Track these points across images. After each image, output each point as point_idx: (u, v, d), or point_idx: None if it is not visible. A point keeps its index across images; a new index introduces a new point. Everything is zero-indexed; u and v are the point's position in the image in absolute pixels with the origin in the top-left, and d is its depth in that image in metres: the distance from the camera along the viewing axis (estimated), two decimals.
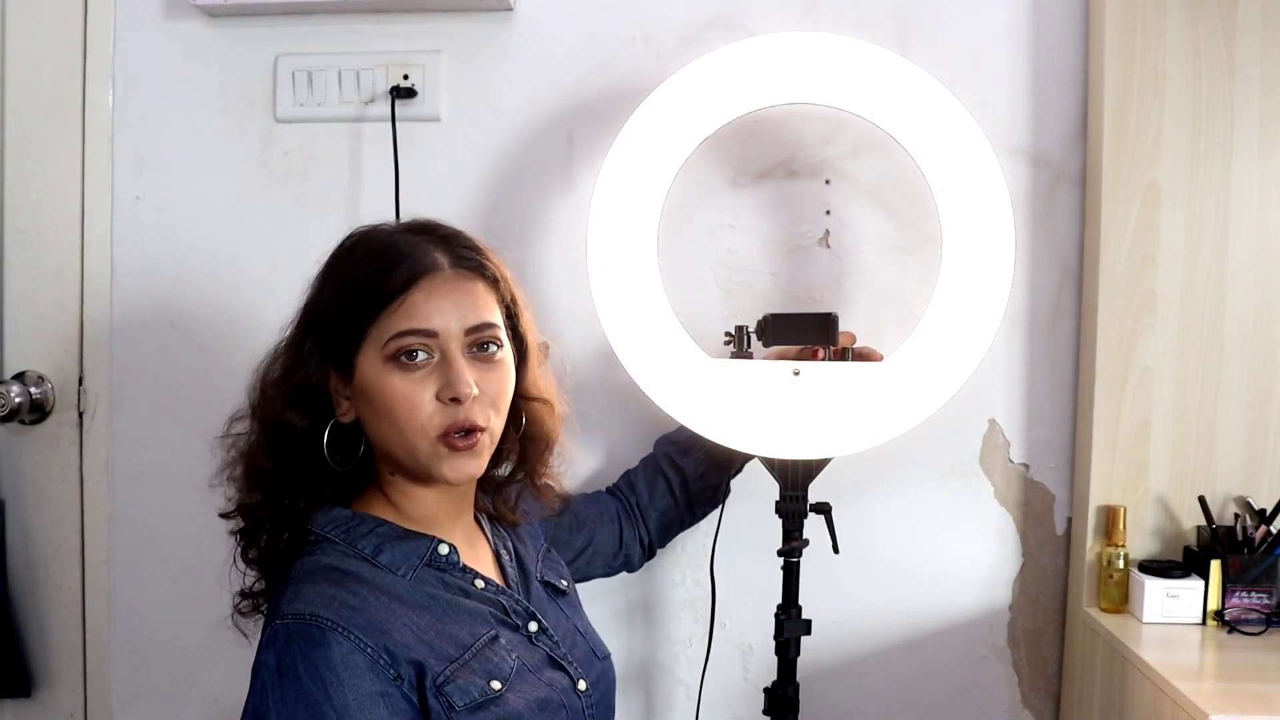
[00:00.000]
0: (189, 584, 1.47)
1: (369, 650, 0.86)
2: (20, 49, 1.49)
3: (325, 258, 0.98)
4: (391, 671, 0.86)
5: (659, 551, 1.35)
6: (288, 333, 0.98)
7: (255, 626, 0.97)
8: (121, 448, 1.50)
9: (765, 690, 1.23)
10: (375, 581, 0.91)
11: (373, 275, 0.92)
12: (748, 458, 1.30)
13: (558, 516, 1.19)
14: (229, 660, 1.46)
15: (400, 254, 0.93)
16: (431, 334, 0.91)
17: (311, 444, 0.94)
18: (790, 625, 1.21)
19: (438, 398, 0.91)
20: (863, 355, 1.22)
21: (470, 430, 0.92)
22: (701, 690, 1.34)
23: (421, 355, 0.91)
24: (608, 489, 1.33)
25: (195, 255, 1.48)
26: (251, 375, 0.98)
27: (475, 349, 0.94)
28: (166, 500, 1.48)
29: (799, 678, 1.22)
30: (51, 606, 1.51)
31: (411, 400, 0.91)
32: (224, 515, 0.99)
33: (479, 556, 1.03)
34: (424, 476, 0.95)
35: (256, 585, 0.99)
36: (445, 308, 0.92)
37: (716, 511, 1.33)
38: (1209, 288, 1.30)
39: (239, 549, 0.99)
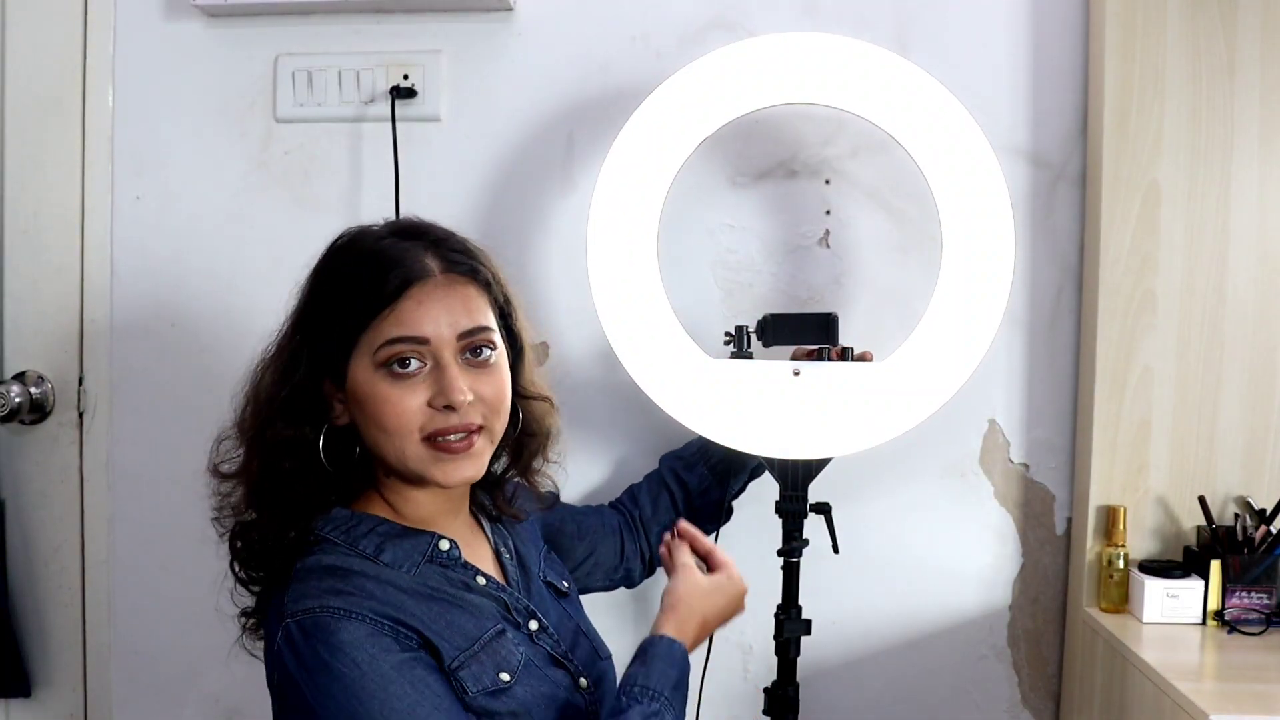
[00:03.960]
0: (189, 584, 1.47)
1: (386, 626, 0.87)
2: (20, 49, 1.49)
3: (316, 261, 0.97)
4: (411, 640, 0.87)
5: (659, 568, 1.35)
6: (276, 340, 0.97)
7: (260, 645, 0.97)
8: (121, 448, 1.50)
9: (765, 690, 1.23)
10: (380, 577, 0.91)
11: (363, 282, 0.91)
12: (751, 476, 1.31)
13: (548, 509, 1.19)
14: (229, 660, 1.45)
15: (391, 260, 0.92)
16: (423, 341, 0.90)
17: (309, 450, 0.94)
18: (790, 625, 1.21)
19: (430, 404, 0.91)
20: (860, 358, 1.22)
21: (468, 431, 0.92)
22: (701, 690, 1.34)
23: (414, 363, 0.91)
24: (610, 503, 1.33)
25: (195, 255, 1.48)
26: (239, 391, 0.97)
27: (469, 354, 0.93)
28: (166, 500, 1.48)
29: (799, 678, 1.22)
30: (51, 606, 1.51)
31: (400, 407, 0.90)
32: (231, 538, 0.97)
33: (479, 554, 1.03)
34: (417, 481, 0.95)
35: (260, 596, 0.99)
36: (437, 314, 0.91)
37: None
38: (1209, 288, 1.30)
39: (235, 563, 0.98)
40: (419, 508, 0.98)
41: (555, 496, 1.24)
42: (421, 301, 0.91)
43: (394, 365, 0.90)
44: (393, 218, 1.02)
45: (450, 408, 0.90)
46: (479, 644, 0.92)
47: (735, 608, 1.08)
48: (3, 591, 1.49)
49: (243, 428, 0.96)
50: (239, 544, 0.97)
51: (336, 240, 0.98)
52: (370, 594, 0.89)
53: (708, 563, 1.10)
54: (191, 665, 1.50)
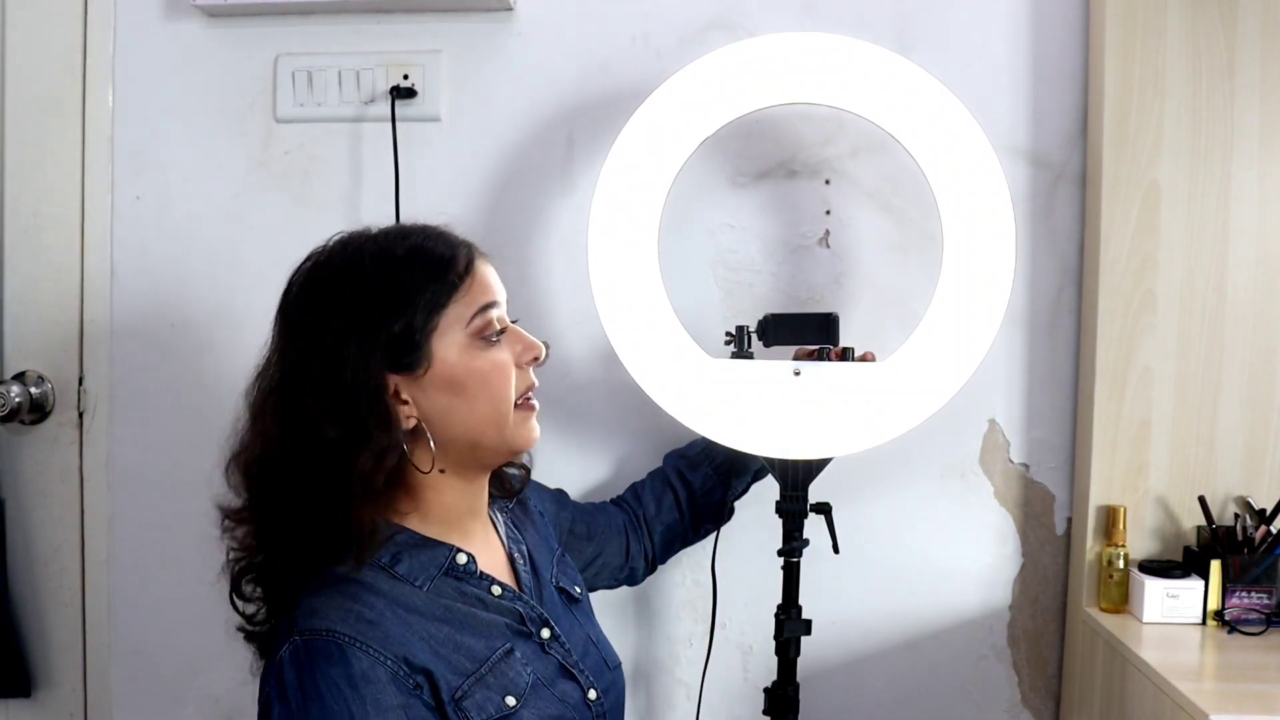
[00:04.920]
0: (189, 584, 1.47)
1: (388, 663, 0.85)
2: (20, 49, 1.48)
3: (305, 284, 0.93)
4: (411, 681, 0.86)
5: (660, 565, 1.35)
6: (285, 372, 0.91)
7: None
8: (121, 448, 1.50)
9: (765, 690, 1.23)
10: (392, 594, 0.90)
11: (433, 264, 0.92)
12: (755, 478, 1.31)
13: (559, 506, 1.18)
14: (229, 660, 1.46)
15: (445, 242, 0.95)
16: (498, 304, 0.96)
17: (389, 455, 0.90)
18: (790, 625, 1.21)
19: (517, 364, 0.95)
20: (861, 359, 1.22)
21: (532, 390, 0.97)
22: (701, 690, 1.34)
23: (499, 327, 0.95)
24: (613, 500, 1.33)
25: (195, 255, 1.48)
26: (239, 433, 0.93)
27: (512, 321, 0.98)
28: (166, 500, 1.48)
29: (799, 678, 1.22)
30: (51, 606, 1.51)
31: (506, 370, 0.94)
32: (236, 558, 0.94)
33: (494, 560, 1.02)
34: (495, 453, 0.96)
35: (259, 612, 0.96)
36: (496, 281, 0.97)
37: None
38: (1209, 288, 1.30)
39: (237, 579, 0.94)
40: (450, 506, 0.96)
41: (564, 495, 1.25)
42: (487, 270, 0.96)
43: (489, 333, 0.93)
44: (396, 218, 1.02)
45: (535, 359, 0.96)
46: (486, 666, 0.91)
47: None
48: (3, 591, 1.49)
49: (272, 455, 0.90)
50: (255, 587, 0.94)
51: (349, 246, 0.94)
52: (380, 618, 0.87)
53: None
54: (191, 665, 1.50)
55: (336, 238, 0.96)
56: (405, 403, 0.92)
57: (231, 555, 0.95)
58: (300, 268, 0.96)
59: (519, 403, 0.95)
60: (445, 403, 0.92)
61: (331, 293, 0.92)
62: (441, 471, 0.95)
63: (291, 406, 0.90)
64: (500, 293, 0.97)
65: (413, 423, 0.92)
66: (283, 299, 0.95)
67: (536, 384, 0.98)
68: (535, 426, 0.98)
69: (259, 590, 0.95)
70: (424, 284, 0.91)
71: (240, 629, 0.97)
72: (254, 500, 0.93)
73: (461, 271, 0.93)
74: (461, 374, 0.92)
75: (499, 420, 0.94)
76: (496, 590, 0.97)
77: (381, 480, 0.90)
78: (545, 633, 0.99)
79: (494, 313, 0.94)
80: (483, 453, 0.96)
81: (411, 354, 0.90)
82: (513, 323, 0.98)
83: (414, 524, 0.95)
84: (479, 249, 0.97)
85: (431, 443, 0.93)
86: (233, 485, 0.94)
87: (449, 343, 0.91)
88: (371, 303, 0.90)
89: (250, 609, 0.96)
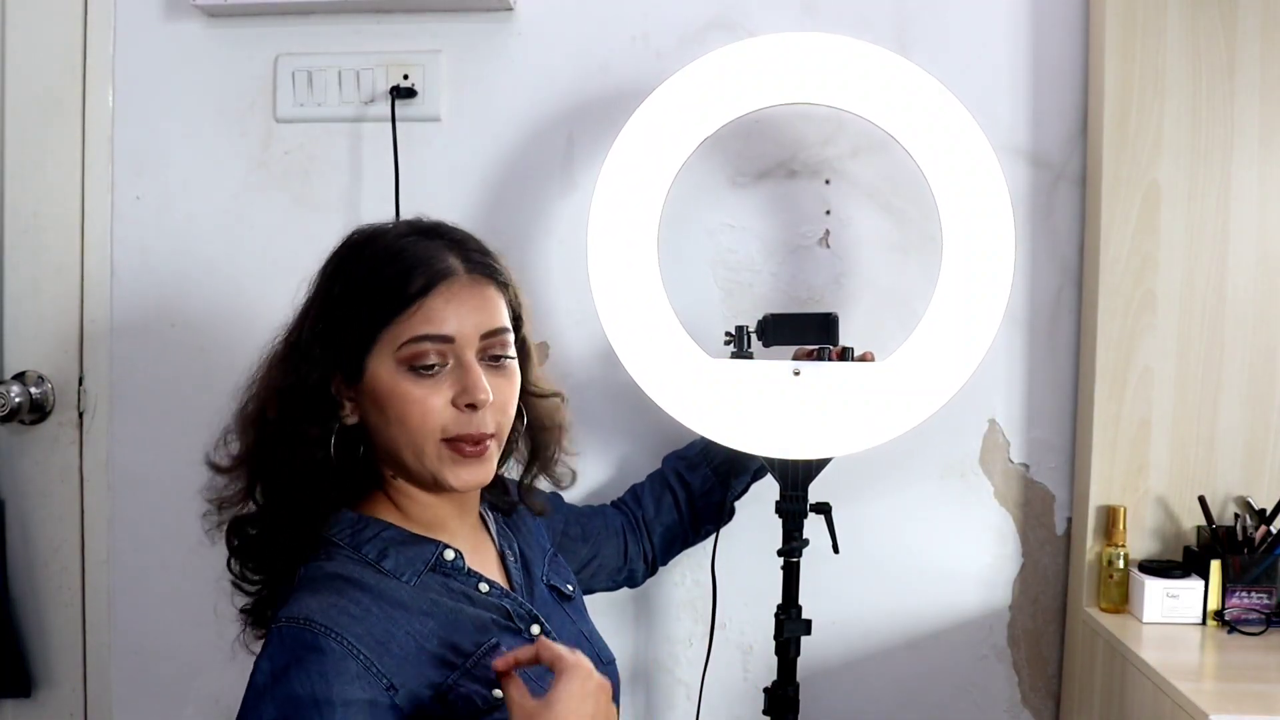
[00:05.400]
0: (189, 584, 1.47)
1: (361, 657, 0.86)
2: (20, 49, 1.49)
3: (328, 257, 0.97)
4: (384, 680, 0.86)
5: (662, 566, 1.35)
6: (285, 333, 0.97)
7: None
8: (121, 448, 1.50)
9: (765, 690, 1.23)
10: (378, 589, 0.91)
11: (389, 279, 0.91)
12: (754, 478, 1.31)
13: (546, 513, 1.19)
14: (229, 660, 1.45)
15: (416, 258, 0.92)
16: (448, 339, 0.91)
17: (317, 446, 0.93)
18: (790, 625, 1.21)
19: (453, 403, 0.91)
20: (862, 359, 1.22)
21: (480, 439, 0.92)
22: (702, 690, 1.34)
23: (435, 361, 0.91)
24: (612, 503, 1.33)
25: (195, 255, 1.48)
26: (245, 382, 0.97)
27: (489, 358, 0.94)
28: (166, 500, 1.48)
29: (799, 678, 1.22)
30: (51, 606, 1.51)
31: (425, 405, 0.90)
32: (228, 533, 0.97)
33: (483, 558, 1.03)
34: (429, 483, 0.94)
35: (258, 596, 0.99)
36: (463, 313, 0.91)
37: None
38: (1209, 288, 1.30)
39: (232, 560, 0.98)
40: (427, 510, 0.97)
41: (558, 498, 1.24)
42: (449, 300, 0.91)
43: (418, 363, 0.90)
44: (396, 217, 1.02)
45: (472, 406, 0.91)
46: (472, 660, 0.91)
47: (598, 703, 0.87)
48: (3, 591, 1.49)
49: (246, 417, 0.96)
50: (236, 540, 0.97)
51: (352, 236, 0.97)
52: (365, 614, 0.88)
53: (553, 669, 0.87)
54: (191, 665, 1.50)
55: (379, 223, 0.99)
56: (351, 399, 0.94)
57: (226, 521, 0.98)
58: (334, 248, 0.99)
59: (450, 444, 0.92)
60: (376, 418, 0.93)
61: (327, 276, 0.96)
62: (394, 478, 0.97)
63: (270, 363, 0.96)
64: (463, 324, 0.91)
65: (354, 419, 0.95)
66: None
67: (488, 430, 0.92)
68: (470, 474, 0.93)
69: (253, 568, 0.98)
70: (380, 296, 0.91)
71: (243, 609, 0.99)
72: (246, 447, 0.96)
73: (413, 294, 0.90)
74: (384, 396, 0.91)
75: (416, 451, 0.92)
76: (484, 587, 0.97)
77: (316, 466, 0.93)
78: (535, 629, 0.99)
79: (429, 345, 0.90)
80: (413, 475, 0.95)
81: (355, 361, 0.92)
82: (494, 361, 0.94)
83: (399, 522, 0.97)
84: (477, 272, 0.94)
85: (376, 448, 0.96)
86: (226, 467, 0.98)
87: (381, 361, 0.91)
88: (347, 297, 0.93)
89: (250, 587, 0.98)
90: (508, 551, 1.06)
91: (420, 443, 0.91)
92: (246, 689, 0.87)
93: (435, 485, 0.94)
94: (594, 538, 1.25)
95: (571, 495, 1.32)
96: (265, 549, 0.97)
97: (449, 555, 0.96)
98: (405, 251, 0.93)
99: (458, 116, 1.45)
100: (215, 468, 0.98)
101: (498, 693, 0.90)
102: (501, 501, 1.10)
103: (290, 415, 0.93)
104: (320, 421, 0.93)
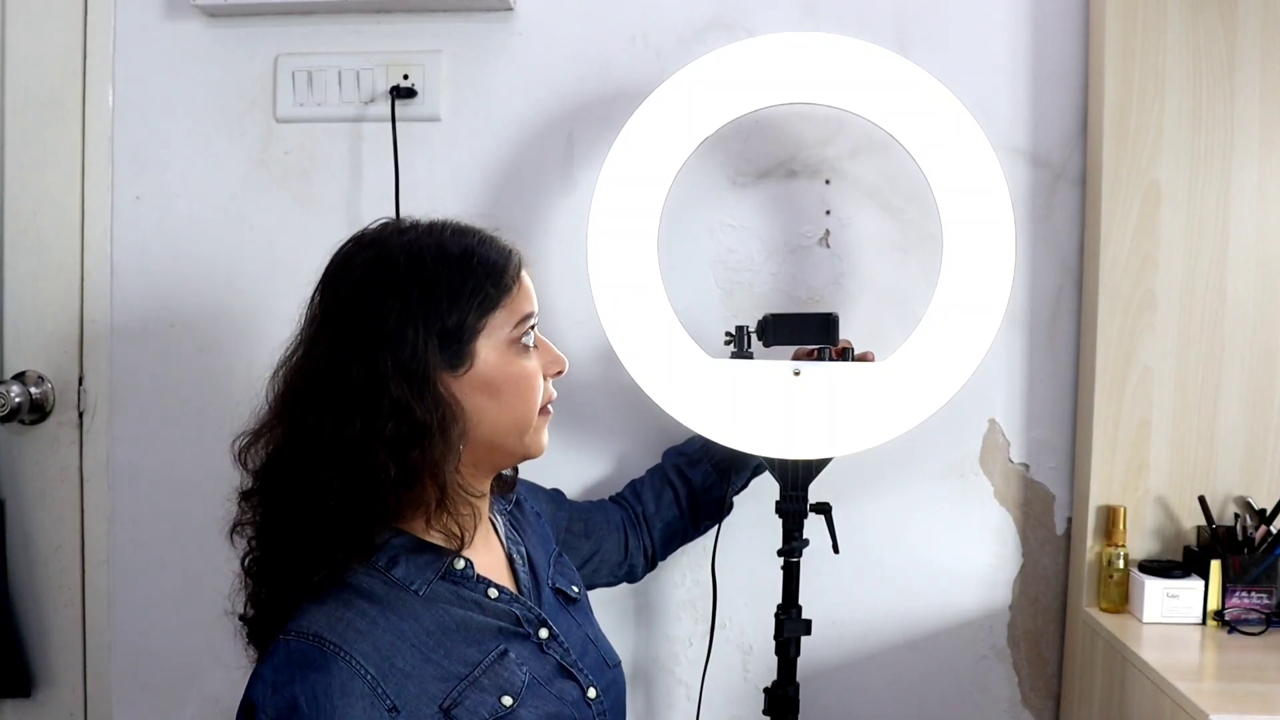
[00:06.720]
0: (189, 584, 1.47)
1: (368, 677, 0.85)
2: (20, 49, 1.49)
3: (364, 279, 0.92)
4: (387, 702, 0.86)
5: (660, 562, 1.35)
6: (340, 367, 0.90)
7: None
8: (121, 448, 1.50)
9: (765, 690, 1.23)
10: (387, 600, 0.90)
11: (489, 266, 0.94)
12: (754, 473, 1.31)
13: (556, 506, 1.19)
14: (229, 660, 1.45)
15: (493, 246, 0.97)
16: (536, 316, 0.99)
17: (390, 464, 0.89)
18: (790, 625, 1.21)
19: (544, 374, 0.99)
20: (862, 358, 1.22)
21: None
22: (702, 690, 1.34)
23: (533, 338, 0.98)
24: (612, 498, 1.33)
25: (195, 255, 1.48)
26: (276, 419, 0.92)
27: None
28: (166, 500, 1.48)
29: (799, 678, 1.22)
30: (51, 606, 1.51)
31: (537, 378, 0.98)
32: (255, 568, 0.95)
33: (493, 561, 1.02)
34: (509, 457, 0.99)
35: (258, 600, 0.96)
36: (533, 291, 1.00)
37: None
38: (1209, 288, 1.30)
39: (251, 571, 0.95)
40: (457, 519, 0.94)
41: (560, 495, 1.25)
42: (528, 281, 0.99)
43: (526, 340, 0.97)
44: (396, 217, 1.01)
45: (559, 373, 1.01)
46: (480, 669, 0.91)
47: None
48: (3, 591, 1.49)
49: (334, 437, 0.88)
50: (260, 550, 0.94)
51: (405, 238, 0.94)
52: (371, 627, 0.87)
53: None
54: (191, 665, 1.50)
55: (385, 225, 0.97)
56: (424, 399, 0.91)
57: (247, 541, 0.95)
58: (350, 254, 0.95)
59: (542, 411, 0.99)
60: (478, 403, 0.94)
61: (391, 279, 0.91)
62: (441, 489, 0.93)
63: (334, 392, 0.89)
64: (537, 302, 1.00)
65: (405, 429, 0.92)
66: (330, 283, 0.95)
67: (555, 396, 1.01)
68: (546, 435, 1.01)
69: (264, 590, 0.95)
70: (480, 284, 0.94)
71: (241, 617, 0.97)
72: (269, 486, 0.92)
73: (512, 278, 0.96)
74: (498, 377, 0.94)
75: (522, 425, 0.97)
76: (494, 593, 0.97)
77: (385, 481, 0.89)
78: (543, 633, 0.99)
79: (533, 322, 0.98)
80: (498, 455, 0.98)
81: (458, 351, 0.92)
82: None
83: (418, 530, 0.95)
84: (525, 258, 1.00)
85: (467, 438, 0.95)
86: (250, 470, 0.94)
87: (491, 345, 0.94)
88: (433, 294, 0.91)
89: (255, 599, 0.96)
90: (516, 555, 1.05)
91: (531, 415, 0.97)
92: (243, 698, 0.86)
93: (524, 457, 1.00)
94: (595, 533, 1.25)
95: (571, 493, 1.32)
96: (296, 562, 0.92)
97: (459, 564, 0.95)
98: (483, 243, 0.97)
99: (458, 116, 1.45)
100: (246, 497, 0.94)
101: (506, 700, 0.90)
102: (504, 480, 1.10)
103: (402, 418, 0.88)
104: (441, 417, 0.90)
